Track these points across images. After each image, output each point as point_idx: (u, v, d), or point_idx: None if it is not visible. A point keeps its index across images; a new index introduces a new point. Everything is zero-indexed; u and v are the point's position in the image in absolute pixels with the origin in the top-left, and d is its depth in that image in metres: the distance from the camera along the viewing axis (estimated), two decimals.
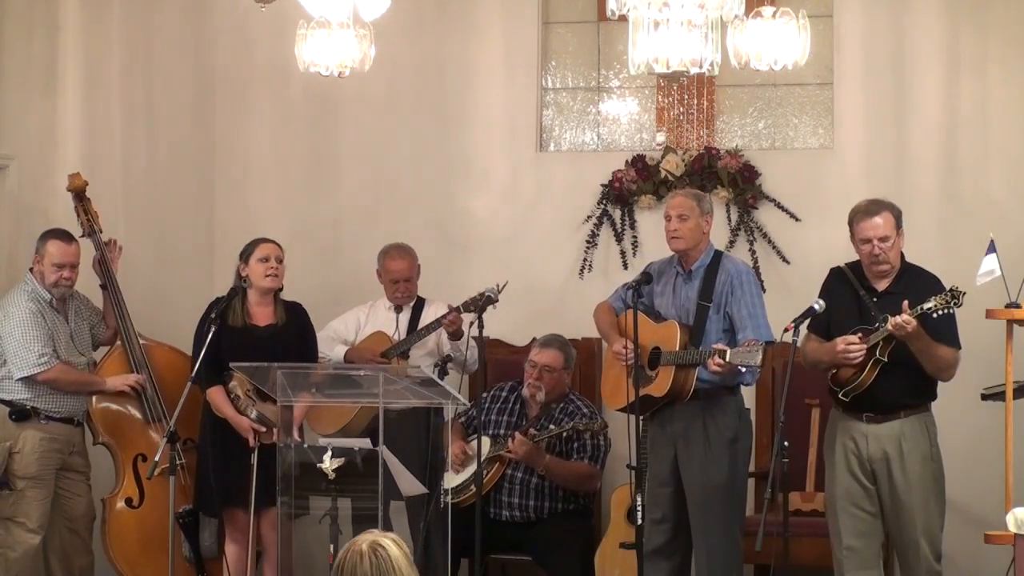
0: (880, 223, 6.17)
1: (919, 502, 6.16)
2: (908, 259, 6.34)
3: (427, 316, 7.47)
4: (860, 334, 6.10)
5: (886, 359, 6.08)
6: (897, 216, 6.23)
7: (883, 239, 6.17)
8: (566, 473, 7.23)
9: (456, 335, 7.21)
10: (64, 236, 7.02)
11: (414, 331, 7.44)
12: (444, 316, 7.23)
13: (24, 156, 7.49)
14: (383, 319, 7.57)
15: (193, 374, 6.76)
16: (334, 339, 7.55)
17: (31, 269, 7.02)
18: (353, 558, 3.80)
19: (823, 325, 6.25)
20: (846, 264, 6.35)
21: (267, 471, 6.73)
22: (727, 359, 6.10)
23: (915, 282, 6.19)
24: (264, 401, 6.86)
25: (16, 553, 6.86)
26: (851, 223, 6.24)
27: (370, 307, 7.66)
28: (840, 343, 6.11)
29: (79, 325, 7.12)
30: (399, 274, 7.55)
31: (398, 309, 7.56)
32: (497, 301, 7.02)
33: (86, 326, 7.17)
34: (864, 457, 6.21)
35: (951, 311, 5.96)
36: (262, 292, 7.10)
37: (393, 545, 3.82)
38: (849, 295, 6.26)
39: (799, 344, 6.13)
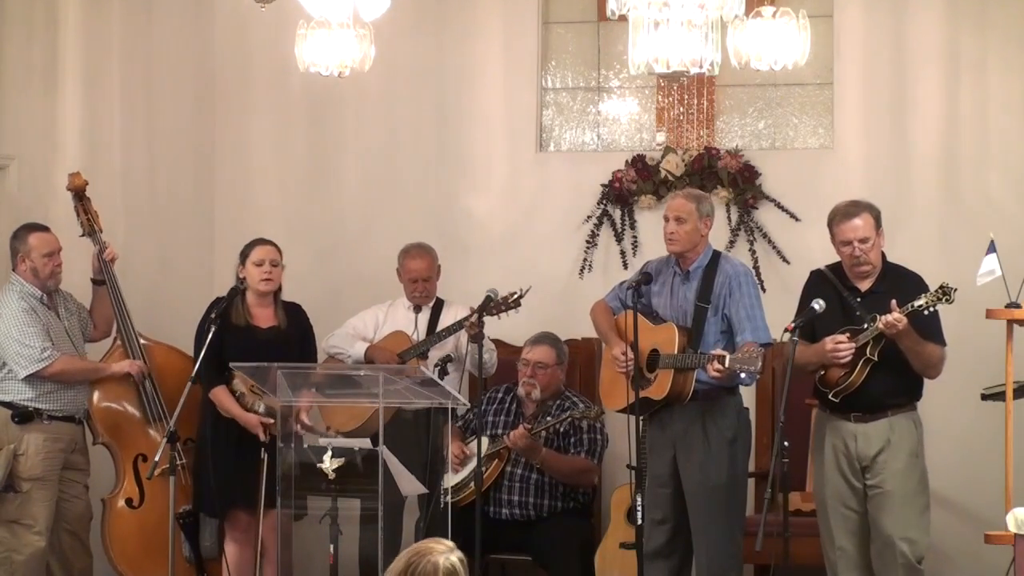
0: (860, 224, 6.19)
1: (901, 497, 6.14)
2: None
3: (446, 318, 7.46)
4: (848, 334, 6.10)
5: (876, 358, 6.10)
6: (876, 216, 6.24)
7: (863, 240, 6.19)
8: (563, 466, 7.22)
9: (476, 338, 7.15)
10: (39, 227, 7.01)
11: (433, 332, 7.43)
12: (465, 319, 7.21)
13: (24, 156, 7.49)
14: (402, 319, 7.56)
15: (193, 374, 6.75)
16: (353, 336, 7.54)
17: (14, 270, 7.00)
18: (427, 568, 3.74)
19: (808, 328, 6.25)
20: (826, 266, 6.36)
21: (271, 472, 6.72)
22: (726, 364, 6.09)
23: (899, 281, 6.21)
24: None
25: (22, 556, 6.84)
26: (830, 225, 6.27)
27: (389, 306, 7.65)
28: (829, 343, 6.12)
29: (71, 322, 7.11)
30: (418, 273, 7.54)
31: (417, 309, 7.55)
32: (517, 306, 7.03)
33: (77, 322, 7.17)
34: (853, 456, 6.21)
35: (936, 308, 5.97)
36: (258, 295, 7.11)
37: (461, 567, 3.77)
38: (833, 297, 6.26)
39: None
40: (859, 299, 6.20)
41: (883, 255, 6.29)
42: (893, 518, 6.14)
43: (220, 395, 6.99)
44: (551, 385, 7.33)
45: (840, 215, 6.23)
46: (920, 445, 6.23)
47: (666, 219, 6.55)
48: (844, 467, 6.22)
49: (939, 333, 6.16)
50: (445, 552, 3.78)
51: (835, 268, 6.33)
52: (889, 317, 5.96)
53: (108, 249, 7.19)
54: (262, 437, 6.88)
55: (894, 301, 5.98)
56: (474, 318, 6.92)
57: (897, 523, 6.13)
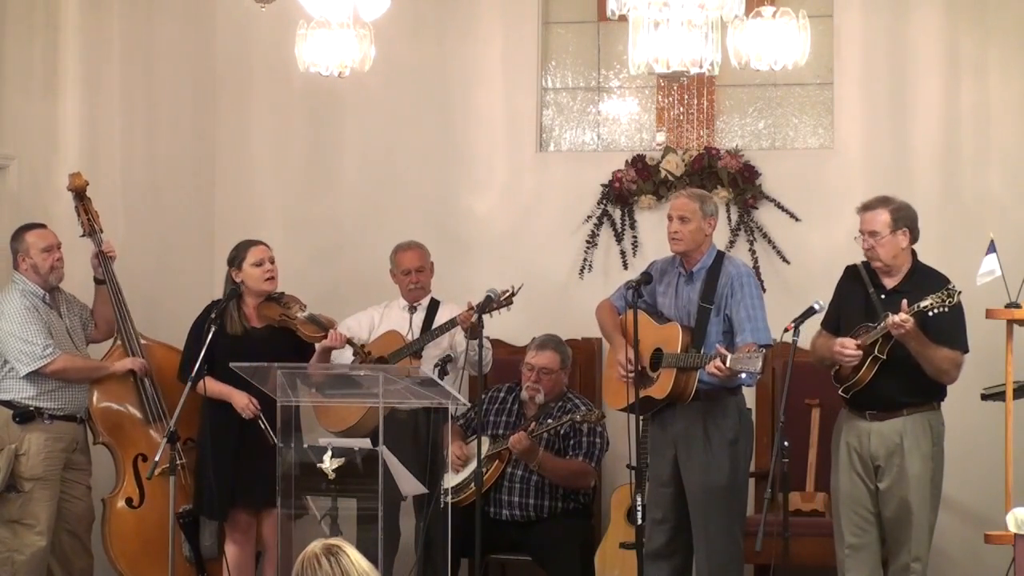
0: (869, 217, 6.23)
1: (915, 500, 6.14)
2: None
3: (441, 318, 7.45)
4: (863, 329, 6.11)
5: (884, 357, 6.10)
6: (894, 214, 6.21)
7: (871, 234, 6.20)
8: (560, 469, 7.22)
9: (473, 334, 7.12)
10: (36, 225, 7.03)
11: (427, 331, 7.42)
12: (459, 315, 7.19)
13: (24, 156, 7.49)
14: (397, 319, 7.54)
15: (193, 375, 6.73)
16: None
17: (16, 269, 7.00)
18: (311, 563, 3.73)
19: (834, 321, 6.27)
20: (862, 262, 6.37)
21: (271, 470, 6.71)
22: (727, 364, 6.09)
23: (923, 282, 6.20)
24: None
25: (24, 556, 6.84)
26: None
27: (384, 308, 7.64)
28: (836, 344, 6.14)
29: (72, 321, 7.12)
30: (410, 263, 7.53)
31: (412, 310, 7.55)
32: (509, 304, 7.02)
33: (78, 321, 7.17)
34: (866, 455, 6.21)
35: (946, 309, 5.96)
36: (259, 295, 7.11)
37: (349, 547, 3.76)
38: (859, 292, 6.29)
39: (812, 339, 6.16)
40: (883, 296, 6.21)
41: (914, 255, 6.29)
42: (905, 533, 6.14)
43: (208, 382, 6.90)
44: (555, 389, 7.33)
45: (861, 207, 6.29)
46: (936, 447, 6.21)
47: (670, 219, 6.54)
48: (857, 466, 6.23)
49: (956, 338, 6.13)
50: (320, 543, 3.78)
51: (868, 264, 6.34)
52: (896, 318, 5.96)
53: (106, 242, 7.19)
54: (248, 414, 6.89)
55: (904, 302, 5.98)
56: (474, 318, 6.91)
57: (908, 540, 6.13)
